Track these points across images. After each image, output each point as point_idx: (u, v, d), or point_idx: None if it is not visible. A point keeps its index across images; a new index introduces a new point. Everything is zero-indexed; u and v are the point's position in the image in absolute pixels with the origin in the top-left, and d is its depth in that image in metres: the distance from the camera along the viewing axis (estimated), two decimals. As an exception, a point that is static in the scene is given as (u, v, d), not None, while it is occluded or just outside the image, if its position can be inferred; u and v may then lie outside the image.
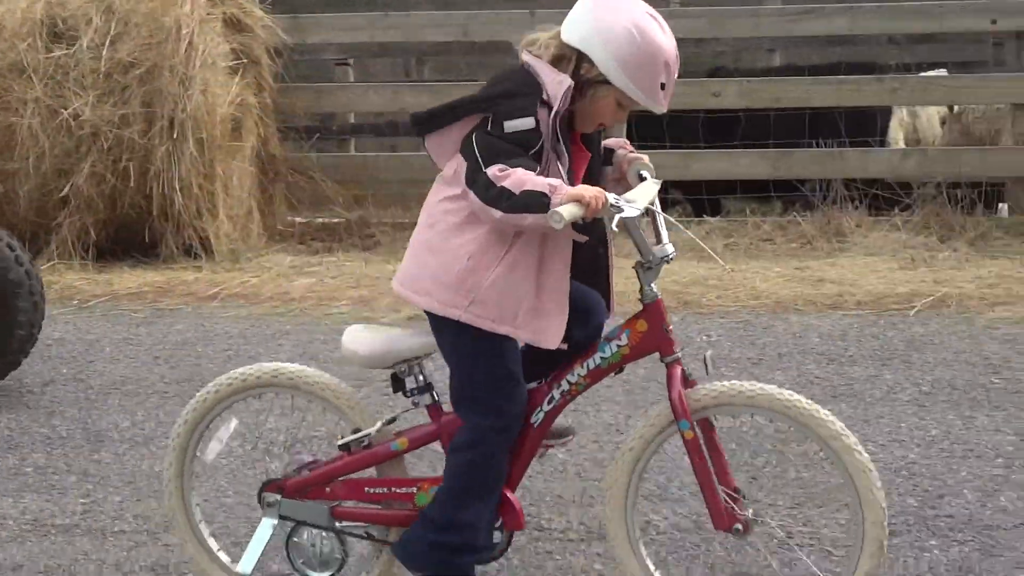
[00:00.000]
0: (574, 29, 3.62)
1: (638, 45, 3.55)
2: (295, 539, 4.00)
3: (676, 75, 3.66)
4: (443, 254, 3.69)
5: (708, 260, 9.01)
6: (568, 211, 3.40)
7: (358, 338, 3.88)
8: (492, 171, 3.51)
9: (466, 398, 3.77)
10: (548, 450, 4.07)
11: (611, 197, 3.51)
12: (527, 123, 3.58)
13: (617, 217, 3.53)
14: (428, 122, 3.75)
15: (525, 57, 3.67)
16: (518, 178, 3.50)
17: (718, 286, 8.53)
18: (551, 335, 3.67)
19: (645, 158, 3.89)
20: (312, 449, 4.53)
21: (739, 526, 3.72)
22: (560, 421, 3.97)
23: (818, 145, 10.29)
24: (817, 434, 3.66)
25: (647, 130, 10.30)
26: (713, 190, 10.70)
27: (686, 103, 10.17)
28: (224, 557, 4.17)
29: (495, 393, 3.73)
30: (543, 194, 3.46)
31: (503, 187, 3.50)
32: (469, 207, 3.63)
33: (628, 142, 3.98)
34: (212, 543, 4.18)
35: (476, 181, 3.56)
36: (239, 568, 4.01)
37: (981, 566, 4.43)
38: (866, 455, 3.66)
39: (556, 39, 3.64)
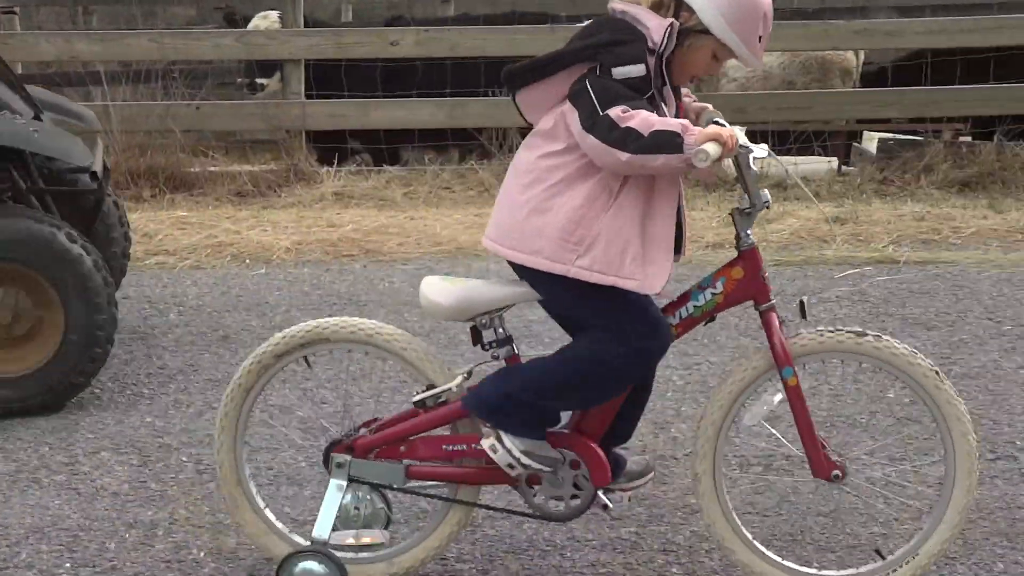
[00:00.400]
0: None
1: None
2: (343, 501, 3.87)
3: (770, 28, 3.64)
4: (548, 213, 3.62)
5: (389, 208, 9.10)
6: (713, 148, 3.40)
7: (440, 289, 3.76)
8: (614, 112, 3.46)
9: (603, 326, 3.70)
10: (629, 493, 4.10)
11: (741, 138, 3.54)
12: (638, 70, 3.52)
13: (751, 157, 3.60)
14: (524, 75, 3.67)
15: (619, 5, 3.62)
16: (644, 119, 3.45)
17: (400, 233, 8.61)
18: (656, 281, 3.62)
19: (710, 107, 3.85)
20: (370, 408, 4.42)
21: (837, 472, 3.76)
22: (638, 460, 4.01)
23: (492, 94, 10.43)
24: (918, 383, 3.73)
25: (326, 79, 10.31)
26: (392, 139, 10.74)
27: (364, 52, 10.21)
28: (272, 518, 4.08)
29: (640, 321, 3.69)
30: (676, 134, 3.43)
31: (630, 127, 3.45)
32: (573, 163, 3.60)
33: (690, 92, 3.91)
34: (260, 502, 4.06)
35: (596, 124, 3.48)
36: (315, 534, 3.83)
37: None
38: (962, 403, 3.74)
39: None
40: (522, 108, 3.74)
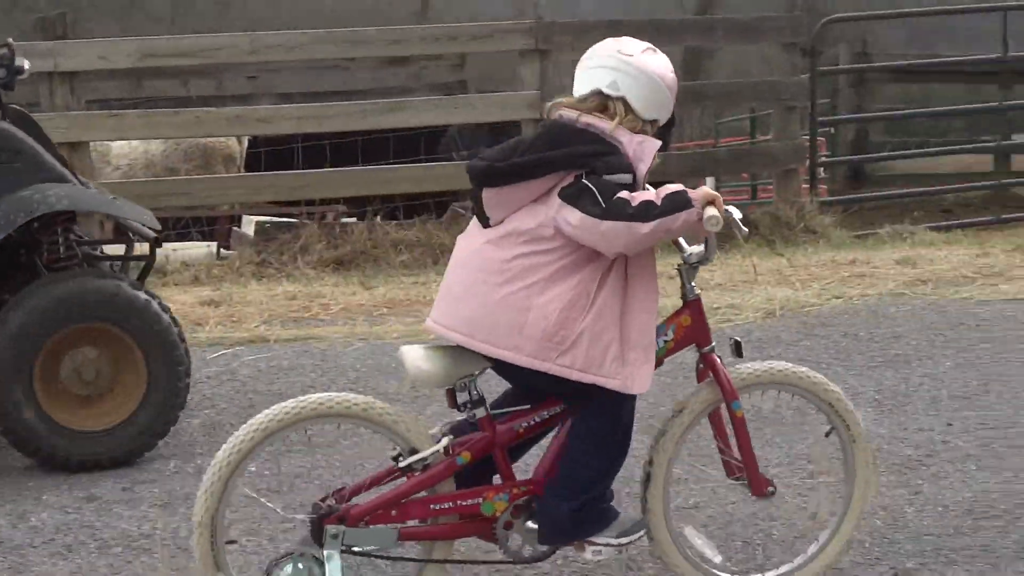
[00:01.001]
0: (609, 80, 3.94)
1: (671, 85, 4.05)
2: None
3: None
4: (529, 312, 3.82)
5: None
6: (717, 212, 3.85)
7: (423, 357, 3.92)
8: (623, 195, 3.78)
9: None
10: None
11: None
12: (627, 178, 3.85)
13: (737, 218, 4.03)
14: (506, 175, 3.85)
15: (586, 119, 3.89)
16: (649, 192, 3.87)
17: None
18: (639, 382, 3.90)
19: None
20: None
21: (772, 488, 4.27)
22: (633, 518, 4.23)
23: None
24: (834, 409, 4.33)
25: None
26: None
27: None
28: None
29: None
30: (683, 191, 3.85)
31: (644, 201, 3.79)
32: (554, 263, 3.84)
33: None
34: None
35: (611, 208, 3.76)
36: None
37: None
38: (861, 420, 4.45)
39: (595, 95, 3.93)
40: (488, 204, 3.92)
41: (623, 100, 3.92)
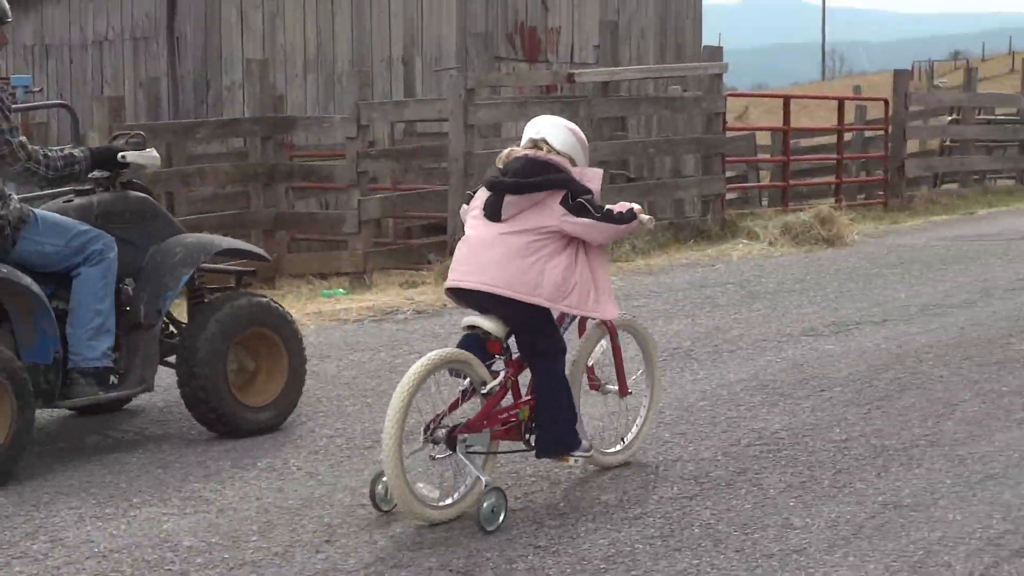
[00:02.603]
0: (558, 142, 6.15)
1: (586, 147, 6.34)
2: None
3: None
4: (544, 273, 5.92)
5: None
6: (648, 217, 6.32)
7: (485, 321, 5.94)
8: (607, 207, 6.05)
9: (550, 348, 6.07)
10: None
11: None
12: (588, 195, 6.02)
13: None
14: (519, 188, 5.96)
15: (538, 154, 6.07)
16: (619, 207, 6.13)
17: None
18: (609, 312, 6.21)
19: None
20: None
21: (630, 391, 6.60)
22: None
23: None
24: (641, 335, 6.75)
25: None
26: None
27: None
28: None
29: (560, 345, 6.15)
30: (631, 209, 6.14)
31: (619, 213, 6.07)
32: (552, 242, 5.96)
33: None
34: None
35: (605, 216, 6.01)
36: (485, 479, 5.79)
37: None
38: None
39: (545, 143, 6.12)
40: (504, 206, 5.96)
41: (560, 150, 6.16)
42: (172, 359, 7.47)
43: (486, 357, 5.98)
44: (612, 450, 6.52)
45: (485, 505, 5.63)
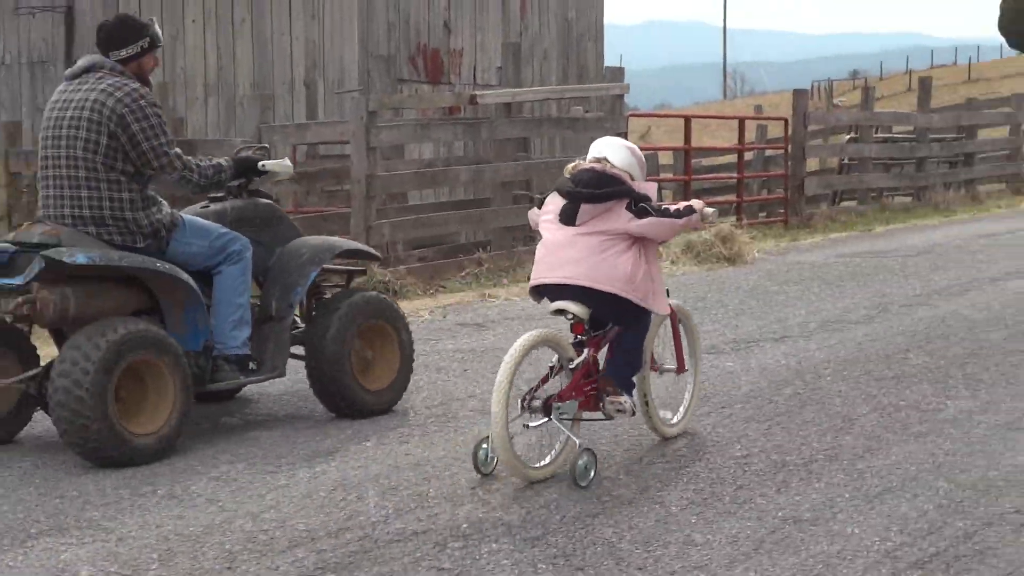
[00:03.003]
0: (618, 159, 7.07)
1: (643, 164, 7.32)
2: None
3: None
4: (616, 268, 6.80)
5: None
6: (712, 210, 7.27)
7: (572, 305, 6.78)
8: (665, 207, 7.05)
9: (634, 334, 7.06)
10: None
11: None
12: (647, 201, 6.97)
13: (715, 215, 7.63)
14: (592, 197, 6.88)
15: (603, 167, 6.98)
16: (674, 206, 7.11)
17: None
18: (662, 308, 7.09)
19: None
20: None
21: (686, 368, 7.69)
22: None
23: None
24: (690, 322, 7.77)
25: None
26: None
27: None
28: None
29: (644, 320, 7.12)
30: (690, 206, 7.12)
31: (676, 209, 7.02)
32: (620, 242, 6.86)
33: None
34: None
35: (662, 213, 6.94)
36: (580, 443, 6.73)
37: None
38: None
39: (606, 160, 7.03)
40: (580, 213, 6.88)
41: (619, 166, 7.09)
42: (295, 349, 8.32)
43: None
44: (672, 421, 7.53)
45: (580, 463, 6.56)
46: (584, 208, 6.87)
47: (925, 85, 25.69)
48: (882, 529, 5.75)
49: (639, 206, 6.89)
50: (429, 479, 6.60)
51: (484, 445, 6.67)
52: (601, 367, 7.01)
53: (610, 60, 25.70)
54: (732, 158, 24.12)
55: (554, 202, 7.05)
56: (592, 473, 6.54)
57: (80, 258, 7.21)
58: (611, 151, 7.10)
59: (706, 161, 33.31)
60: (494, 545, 5.65)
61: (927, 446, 7.07)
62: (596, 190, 6.89)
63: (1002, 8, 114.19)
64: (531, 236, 15.28)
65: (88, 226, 7.52)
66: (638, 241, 6.92)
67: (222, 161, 8.03)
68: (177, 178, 7.72)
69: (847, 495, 6.24)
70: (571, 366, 6.83)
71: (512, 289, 13.30)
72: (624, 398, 6.91)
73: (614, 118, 17.01)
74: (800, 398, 8.17)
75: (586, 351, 6.90)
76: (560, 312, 6.86)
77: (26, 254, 7.35)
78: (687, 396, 7.66)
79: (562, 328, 7.02)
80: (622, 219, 6.86)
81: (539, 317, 10.25)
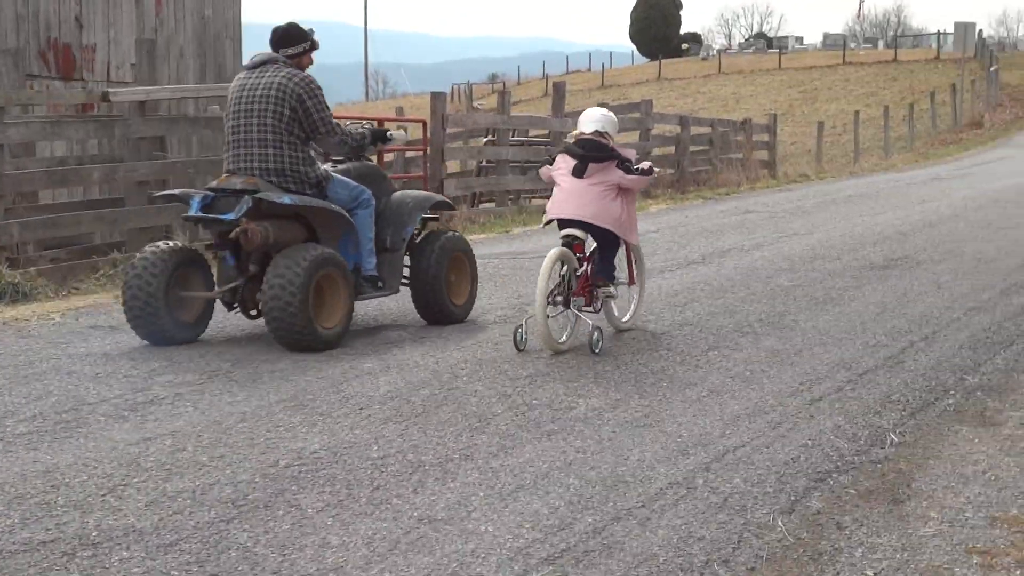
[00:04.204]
0: (606, 128, 10.41)
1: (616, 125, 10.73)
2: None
3: None
4: (611, 210, 10.01)
5: None
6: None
7: (576, 231, 10.05)
8: (644, 165, 10.34)
9: (611, 251, 10.41)
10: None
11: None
12: (629, 162, 10.21)
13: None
14: (597, 158, 10.10)
15: (599, 138, 10.26)
16: (643, 166, 10.32)
17: None
18: (634, 239, 10.63)
19: None
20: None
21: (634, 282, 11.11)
22: None
23: None
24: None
25: None
26: None
27: None
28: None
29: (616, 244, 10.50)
30: (651, 167, 10.45)
31: (644, 170, 10.26)
32: (613, 192, 10.10)
33: None
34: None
35: (644, 174, 10.24)
36: (591, 321, 10.09)
37: None
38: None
39: (599, 132, 10.33)
40: (588, 169, 10.04)
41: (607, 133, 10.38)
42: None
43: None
44: (624, 320, 10.78)
45: (593, 337, 9.80)
46: (591, 166, 10.10)
47: (559, 90, 26.34)
48: (515, 526, 5.86)
49: (625, 164, 10.15)
50: (58, 487, 6.37)
51: (520, 329, 9.85)
52: (591, 272, 10.20)
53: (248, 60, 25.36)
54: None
55: (565, 160, 10.24)
56: (601, 344, 9.76)
57: (286, 199, 9.88)
58: (604, 125, 10.38)
59: (347, 162, 33.30)
60: (125, 553, 5.51)
61: (559, 444, 7.24)
62: (599, 153, 10.15)
63: (633, 17, 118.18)
64: (168, 236, 15.04)
65: (271, 177, 10.07)
66: (623, 191, 10.18)
67: (364, 130, 10.78)
68: (337, 141, 10.43)
69: (481, 494, 6.33)
70: (577, 273, 10.02)
71: (148, 291, 12.97)
72: (611, 287, 10.35)
73: (253, 118, 16.80)
74: (437, 398, 8.25)
75: (586, 263, 10.16)
76: (569, 235, 9.99)
77: (226, 198, 10.00)
78: (634, 303, 10.94)
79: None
80: (616, 174, 10.15)
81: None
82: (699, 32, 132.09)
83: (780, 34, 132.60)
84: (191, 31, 24.66)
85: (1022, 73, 69.22)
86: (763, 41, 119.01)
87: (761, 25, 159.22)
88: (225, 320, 11.05)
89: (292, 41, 10.38)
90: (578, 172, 10.04)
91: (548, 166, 10.34)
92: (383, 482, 6.52)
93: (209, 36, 25.09)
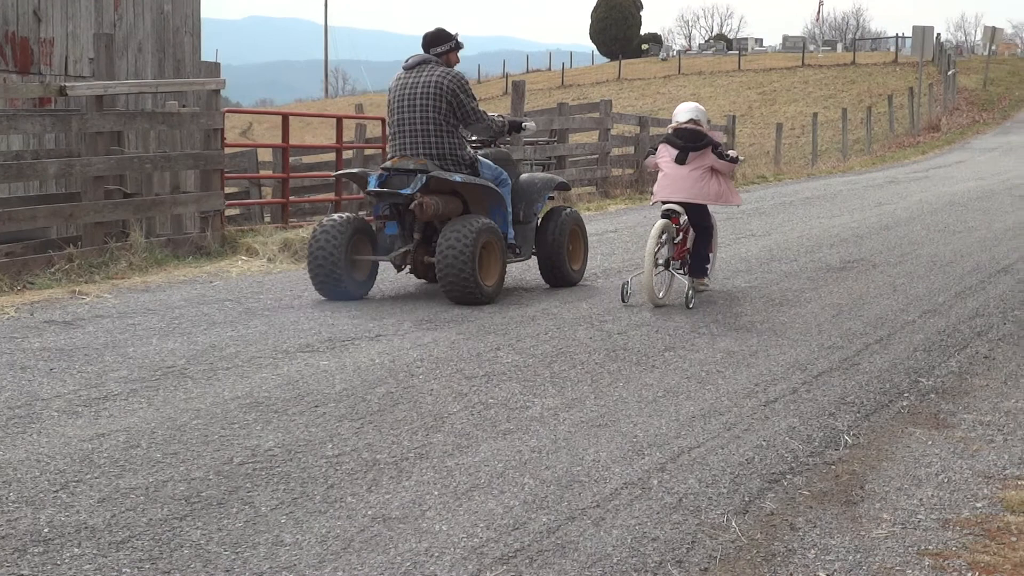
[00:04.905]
0: (698, 117, 12.73)
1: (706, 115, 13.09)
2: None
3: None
4: (710, 188, 12.35)
5: None
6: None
7: (676, 207, 12.34)
8: (732, 154, 12.59)
9: (708, 224, 12.69)
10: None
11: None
12: (720, 147, 12.64)
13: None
14: (696, 146, 12.41)
15: (694, 126, 12.57)
16: (732, 153, 12.59)
17: None
18: (736, 200, 12.81)
19: None
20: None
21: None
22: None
23: None
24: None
25: None
26: None
27: None
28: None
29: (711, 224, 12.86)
30: (736, 154, 12.63)
31: (733, 157, 12.53)
32: (708, 174, 12.39)
33: None
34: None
35: (731, 160, 12.46)
36: (687, 280, 12.51)
37: None
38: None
39: (694, 120, 12.65)
40: (690, 157, 12.34)
41: (699, 121, 12.68)
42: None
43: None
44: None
45: (690, 294, 12.01)
46: (691, 155, 12.30)
47: (519, 89, 26.31)
48: (469, 526, 5.85)
49: (717, 150, 12.33)
50: (10, 483, 6.33)
51: (626, 285, 12.20)
52: (688, 248, 12.63)
53: (211, 55, 25.31)
54: (333, 156, 24.17)
55: (667, 150, 12.47)
56: (694, 300, 12.06)
57: (456, 177, 12.07)
58: (696, 114, 12.61)
59: (308, 159, 33.23)
60: (76, 550, 5.48)
61: (514, 443, 7.23)
62: (697, 142, 12.34)
63: (593, 17, 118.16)
64: (124, 232, 14.96)
65: (435, 159, 12.16)
66: (716, 172, 12.35)
67: (504, 120, 12.93)
68: (483, 127, 12.68)
69: (436, 493, 6.32)
70: (676, 240, 12.31)
71: (103, 286, 12.92)
72: (706, 280, 12.74)
73: (210, 113, 16.77)
74: (393, 396, 8.23)
75: (683, 233, 12.42)
76: (669, 209, 12.20)
77: (399, 176, 12.08)
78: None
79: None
80: (710, 159, 12.34)
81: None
82: (659, 33, 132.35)
83: (740, 36, 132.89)
84: (150, 26, 24.53)
85: (979, 77, 69.61)
86: (723, 43, 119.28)
87: (721, 27, 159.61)
88: (174, 318, 10.99)
89: (440, 42, 12.48)
90: (680, 160, 12.33)
91: (652, 156, 12.62)
92: (337, 480, 6.50)
93: (168, 31, 24.96)
